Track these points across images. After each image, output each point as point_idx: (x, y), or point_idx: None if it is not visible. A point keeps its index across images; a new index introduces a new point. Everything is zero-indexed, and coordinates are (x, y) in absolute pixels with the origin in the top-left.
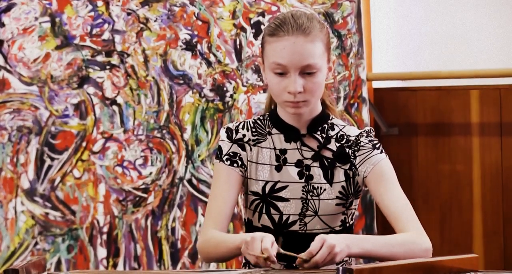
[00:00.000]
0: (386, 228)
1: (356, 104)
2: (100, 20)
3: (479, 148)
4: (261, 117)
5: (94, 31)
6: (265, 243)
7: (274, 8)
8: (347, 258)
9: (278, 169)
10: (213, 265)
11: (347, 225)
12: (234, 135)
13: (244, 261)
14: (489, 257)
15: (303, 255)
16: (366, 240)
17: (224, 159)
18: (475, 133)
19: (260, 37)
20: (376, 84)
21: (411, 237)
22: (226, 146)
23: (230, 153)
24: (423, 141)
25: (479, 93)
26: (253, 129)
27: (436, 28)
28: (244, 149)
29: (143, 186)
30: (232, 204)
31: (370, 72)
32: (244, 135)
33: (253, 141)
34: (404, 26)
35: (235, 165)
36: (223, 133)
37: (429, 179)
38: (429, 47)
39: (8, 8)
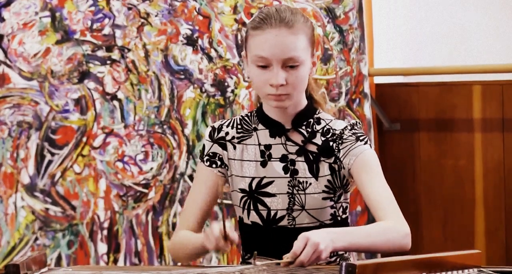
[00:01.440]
0: None
1: (358, 100)
2: (100, 15)
3: (481, 144)
4: (249, 114)
5: (94, 26)
6: (222, 225)
7: (275, 3)
8: (344, 253)
9: (264, 164)
10: (214, 261)
11: (338, 218)
12: (215, 134)
13: (241, 260)
14: (491, 253)
15: (287, 257)
16: (349, 232)
17: (204, 159)
18: (477, 129)
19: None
20: (378, 80)
21: (390, 224)
22: (207, 145)
23: (210, 153)
24: (425, 137)
25: (481, 89)
26: (239, 127)
27: (438, 24)
28: (225, 148)
29: (143, 181)
30: (205, 205)
31: (372, 67)
32: (227, 133)
33: (237, 138)
34: (406, 21)
35: (214, 165)
36: (207, 132)
37: (431, 174)
38: (431, 43)
39: (8, 3)
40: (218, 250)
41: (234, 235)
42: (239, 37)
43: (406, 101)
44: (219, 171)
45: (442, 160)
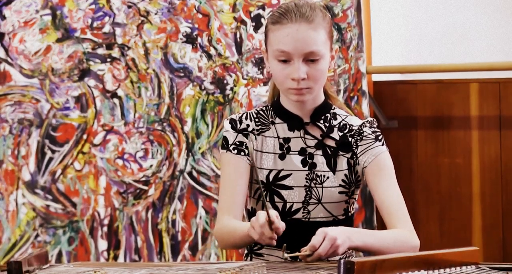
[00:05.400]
0: None
1: (356, 98)
2: (101, 13)
3: (478, 141)
4: (264, 108)
5: (95, 24)
6: (270, 214)
7: (274, 1)
8: (349, 250)
9: (282, 157)
10: (213, 258)
11: (349, 214)
12: (238, 125)
13: (246, 251)
14: (488, 250)
15: (305, 250)
16: (365, 233)
17: (231, 148)
18: (474, 126)
19: (260, 30)
20: (376, 78)
21: (403, 234)
22: (231, 136)
23: (237, 142)
24: (422, 134)
25: (479, 87)
26: (256, 120)
27: (436, 22)
28: (248, 138)
29: (143, 179)
30: (243, 191)
31: (370, 65)
32: (248, 125)
33: (257, 130)
34: (404, 20)
35: (242, 153)
36: (227, 125)
37: (428, 172)
38: (429, 41)
39: (9, 1)
40: (265, 243)
41: (280, 222)
42: (238, 35)
43: (403, 99)
44: (247, 159)
45: (440, 157)
